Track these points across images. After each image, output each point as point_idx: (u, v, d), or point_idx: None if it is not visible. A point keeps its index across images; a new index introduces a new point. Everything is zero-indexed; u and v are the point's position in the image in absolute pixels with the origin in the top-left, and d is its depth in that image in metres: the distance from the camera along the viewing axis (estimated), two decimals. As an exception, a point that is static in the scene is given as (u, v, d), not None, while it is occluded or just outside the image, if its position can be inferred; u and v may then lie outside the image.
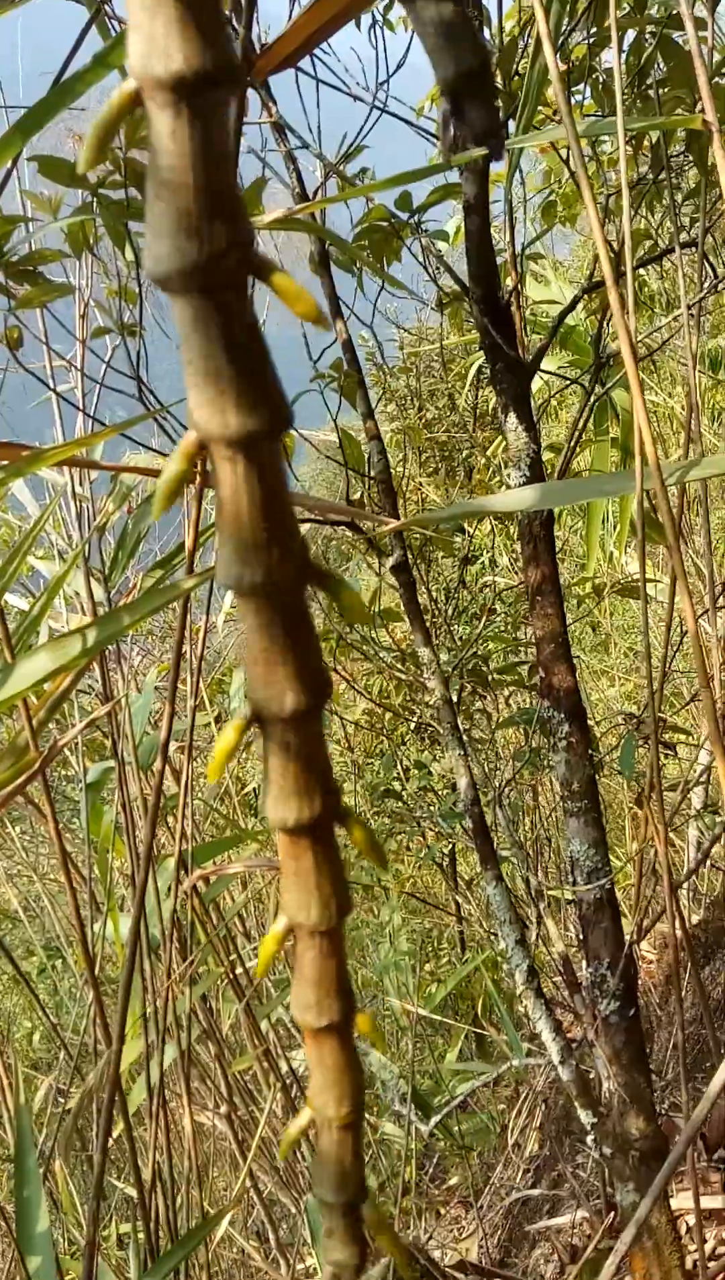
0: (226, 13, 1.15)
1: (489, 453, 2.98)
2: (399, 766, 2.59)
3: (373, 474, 1.25)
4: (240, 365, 0.16)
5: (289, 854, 0.20)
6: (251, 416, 0.17)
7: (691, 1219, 1.25)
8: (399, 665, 2.24)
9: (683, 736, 2.15)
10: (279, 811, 0.20)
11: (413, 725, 2.62)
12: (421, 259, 1.23)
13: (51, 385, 1.14)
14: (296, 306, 0.18)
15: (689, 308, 1.01)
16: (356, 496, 1.85)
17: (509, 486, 1.31)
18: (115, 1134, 1.26)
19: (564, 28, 1.48)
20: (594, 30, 1.16)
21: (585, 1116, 0.96)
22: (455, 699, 2.14)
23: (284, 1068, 1.83)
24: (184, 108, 0.14)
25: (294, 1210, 1.95)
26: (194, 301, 0.16)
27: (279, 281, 0.17)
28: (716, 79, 1.24)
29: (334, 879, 0.21)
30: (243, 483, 0.17)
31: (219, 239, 0.15)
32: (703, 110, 0.85)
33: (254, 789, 2.92)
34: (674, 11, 1.24)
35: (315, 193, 1.23)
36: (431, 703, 1.38)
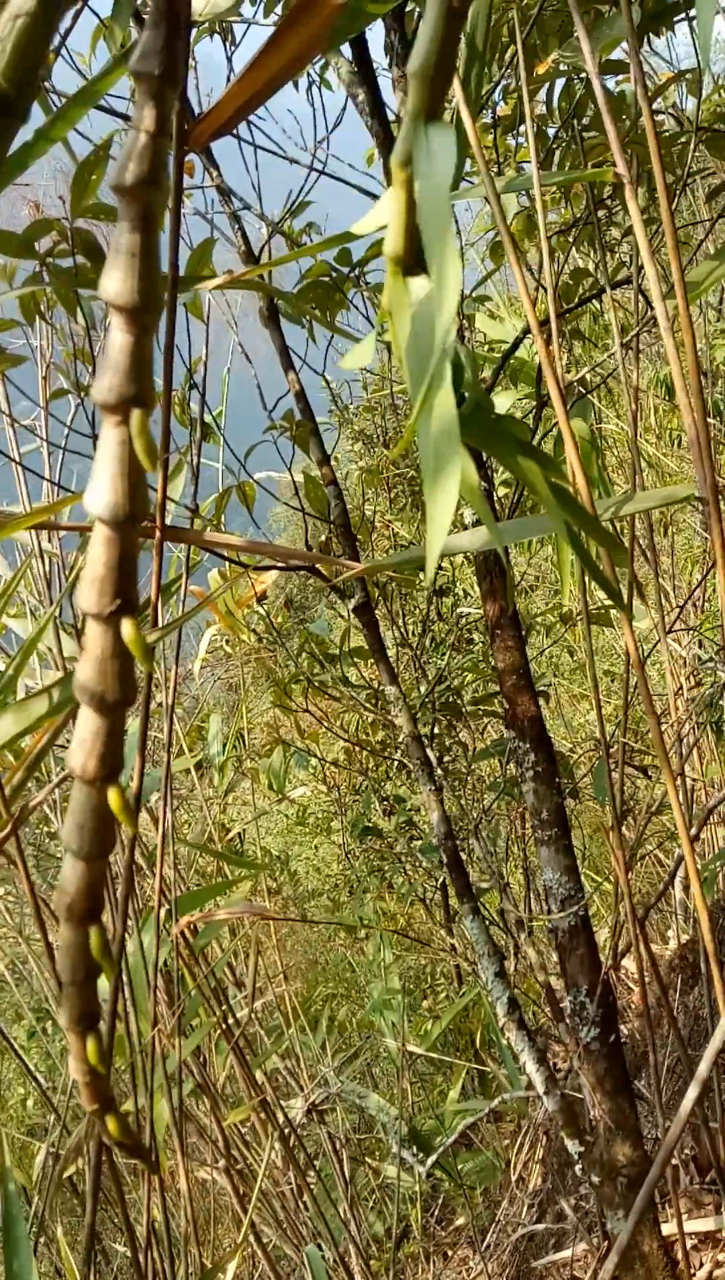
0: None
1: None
2: (378, 803, 2.59)
3: (332, 518, 1.27)
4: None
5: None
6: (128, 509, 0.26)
7: (689, 1243, 1.24)
8: (370, 704, 2.25)
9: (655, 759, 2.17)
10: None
11: (396, 762, 2.63)
12: (363, 311, 1.26)
13: (15, 455, 1.15)
14: (140, 453, 0.25)
15: (623, 344, 1.04)
16: (322, 539, 1.87)
17: (465, 526, 1.34)
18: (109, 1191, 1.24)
19: (496, 75, 1.53)
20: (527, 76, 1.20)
21: (572, 1145, 0.96)
22: (432, 733, 2.15)
23: (281, 1117, 1.81)
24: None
25: (298, 1263, 1.93)
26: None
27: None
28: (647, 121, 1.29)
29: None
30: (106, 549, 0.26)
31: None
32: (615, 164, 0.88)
33: (239, 833, 2.91)
34: (603, 59, 1.29)
35: (261, 250, 1.26)
36: (400, 740, 1.39)
